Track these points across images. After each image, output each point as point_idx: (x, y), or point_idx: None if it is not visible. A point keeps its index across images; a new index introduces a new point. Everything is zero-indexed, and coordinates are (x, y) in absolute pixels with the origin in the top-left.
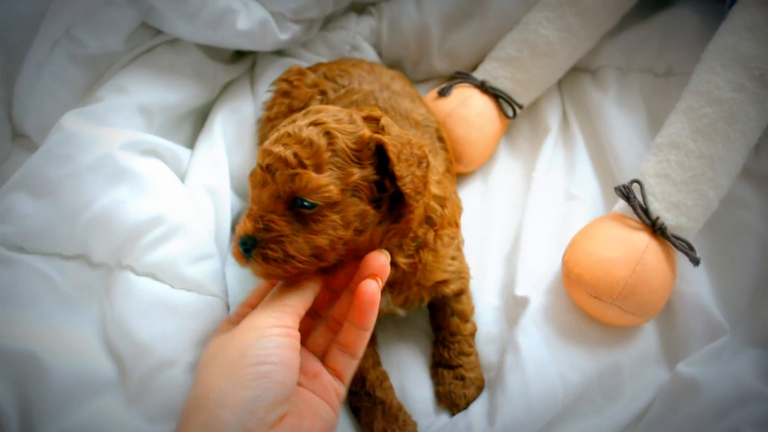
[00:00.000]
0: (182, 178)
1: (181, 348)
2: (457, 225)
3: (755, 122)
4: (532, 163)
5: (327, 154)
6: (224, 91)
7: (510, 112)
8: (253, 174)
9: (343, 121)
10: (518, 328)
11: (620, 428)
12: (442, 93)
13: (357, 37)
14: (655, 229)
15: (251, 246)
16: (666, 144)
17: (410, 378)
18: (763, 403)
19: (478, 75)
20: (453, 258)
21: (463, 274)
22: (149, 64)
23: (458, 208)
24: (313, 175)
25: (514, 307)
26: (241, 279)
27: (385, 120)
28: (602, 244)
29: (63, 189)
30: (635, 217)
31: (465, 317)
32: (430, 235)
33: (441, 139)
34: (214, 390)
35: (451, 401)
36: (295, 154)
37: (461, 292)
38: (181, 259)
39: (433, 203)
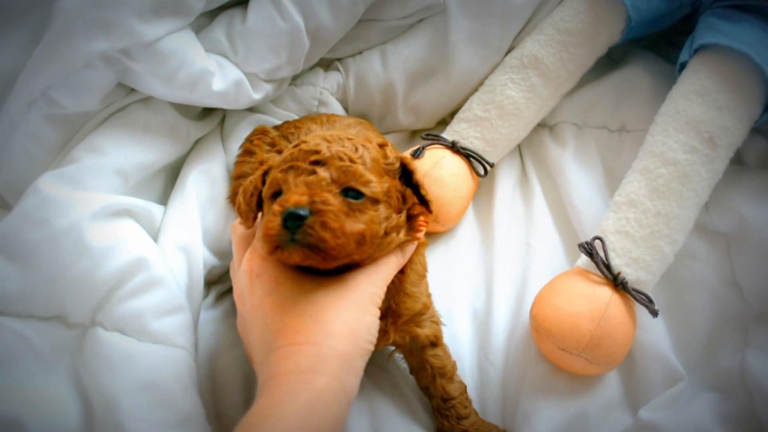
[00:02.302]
0: (155, 235)
1: (145, 403)
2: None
3: (706, 182)
4: (492, 218)
5: (368, 160)
6: (195, 146)
7: (481, 171)
8: (287, 170)
9: (368, 138)
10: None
11: None
12: (415, 155)
13: (324, 92)
14: (617, 283)
15: (303, 219)
16: (625, 202)
17: None
18: None
19: (448, 136)
20: (427, 296)
21: (434, 319)
22: (124, 123)
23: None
24: (364, 169)
25: (485, 365)
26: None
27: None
28: (568, 298)
29: (39, 253)
30: (598, 272)
31: (448, 376)
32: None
33: None
34: None
35: None
36: (345, 153)
37: (436, 342)
38: (148, 314)
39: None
